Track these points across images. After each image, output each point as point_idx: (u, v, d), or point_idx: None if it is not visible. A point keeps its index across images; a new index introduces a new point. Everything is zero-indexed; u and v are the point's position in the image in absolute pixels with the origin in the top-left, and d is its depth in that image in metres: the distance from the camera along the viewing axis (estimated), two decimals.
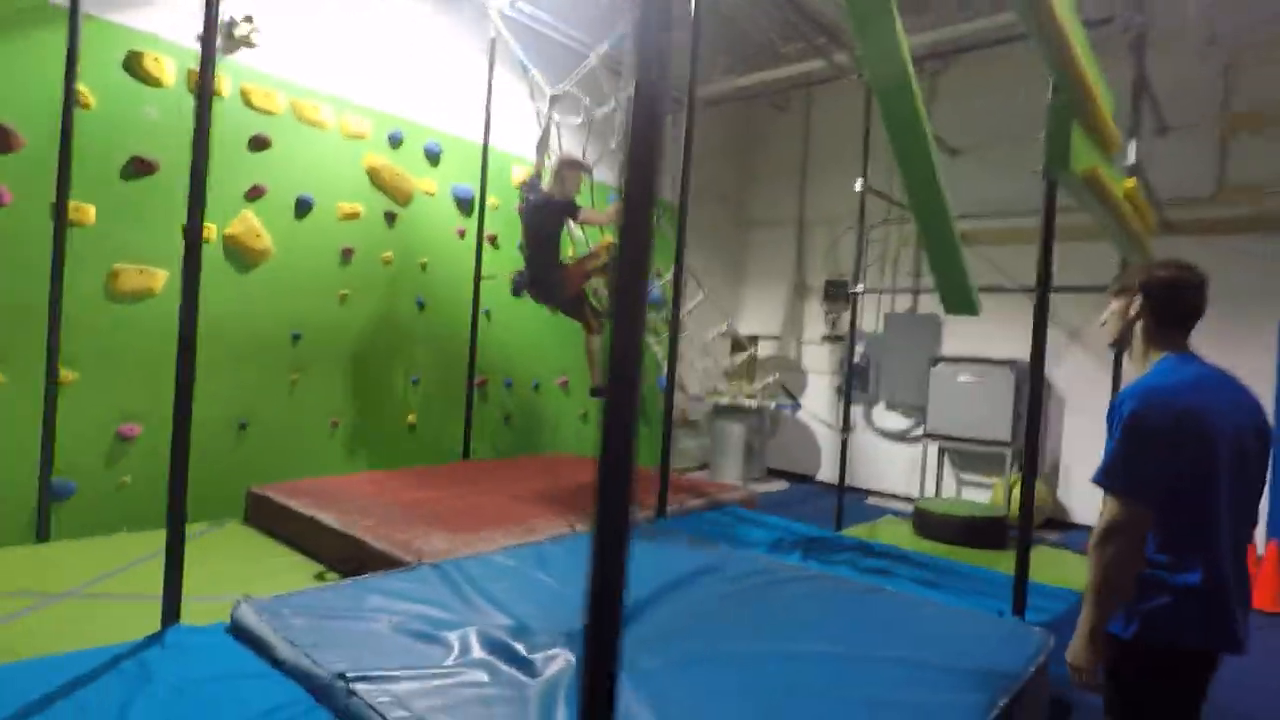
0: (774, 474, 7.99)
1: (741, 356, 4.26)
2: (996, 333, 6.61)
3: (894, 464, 7.23)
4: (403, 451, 5.22)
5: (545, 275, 4.38)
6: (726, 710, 1.65)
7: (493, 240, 5.72)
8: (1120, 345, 1.90)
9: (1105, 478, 1.68)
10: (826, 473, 7.73)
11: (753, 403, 4.42)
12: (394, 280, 5.12)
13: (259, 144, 4.35)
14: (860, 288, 5.16)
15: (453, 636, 1.92)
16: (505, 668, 1.78)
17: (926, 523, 4.86)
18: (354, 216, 4.86)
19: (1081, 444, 6.23)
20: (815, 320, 7.88)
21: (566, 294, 4.46)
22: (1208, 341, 1.97)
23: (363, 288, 4.94)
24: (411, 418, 5.27)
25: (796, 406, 4.44)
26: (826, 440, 7.74)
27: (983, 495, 6.64)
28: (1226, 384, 1.76)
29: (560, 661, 1.80)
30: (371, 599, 2.16)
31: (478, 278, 5.32)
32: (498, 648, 1.87)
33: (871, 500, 7.16)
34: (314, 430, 4.74)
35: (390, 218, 5.06)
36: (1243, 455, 1.71)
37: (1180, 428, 1.64)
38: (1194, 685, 1.70)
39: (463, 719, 1.54)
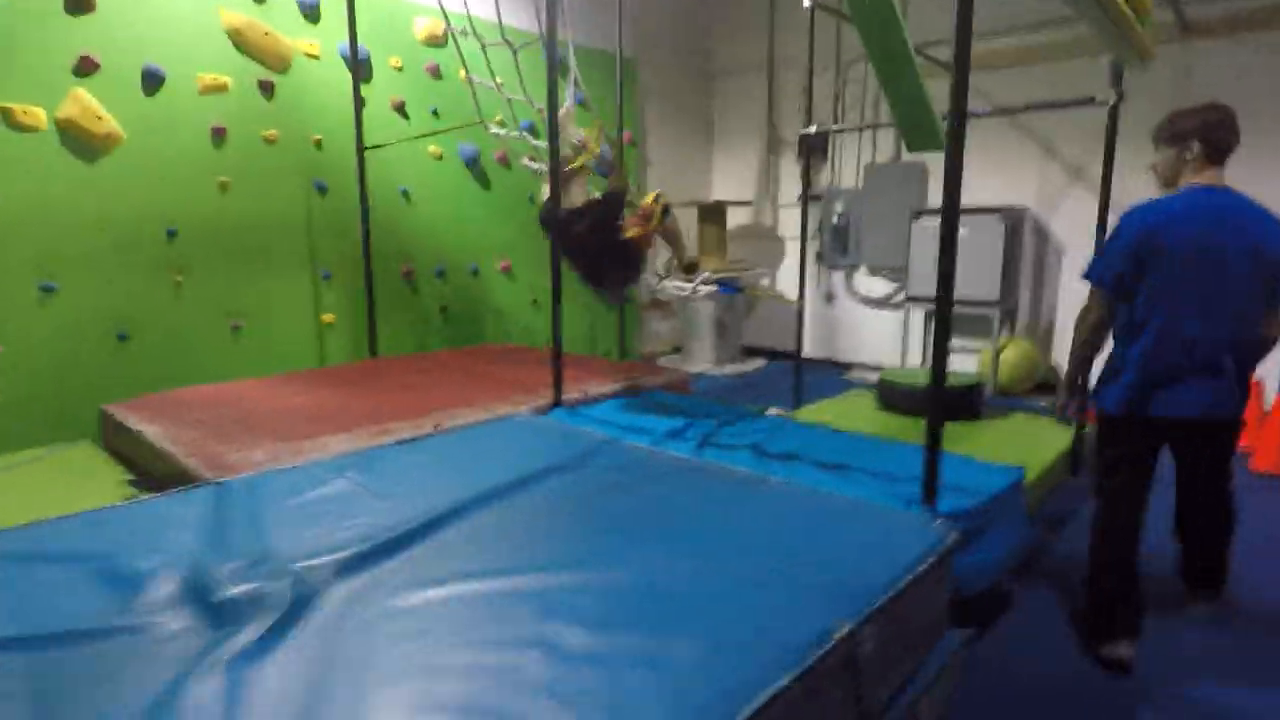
0: (752, 352, 7.52)
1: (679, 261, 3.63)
2: (988, 175, 5.85)
3: (877, 333, 6.69)
4: (320, 352, 4.82)
5: (623, 266, 3.42)
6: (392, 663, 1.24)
7: (400, 108, 5.05)
8: (1171, 185, 2.21)
9: (1086, 271, 2.28)
10: (807, 347, 7.21)
11: (686, 290, 3.84)
12: (283, 162, 4.53)
13: (79, 3, 3.68)
14: (813, 128, 4.45)
15: (157, 580, 1.52)
16: (185, 620, 1.38)
17: (891, 395, 4.39)
18: (220, 89, 4.22)
19: (1081, 300, 5.59)
20: (791, 180, 7.13)
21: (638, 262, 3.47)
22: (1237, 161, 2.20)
23: (245, 173, 4.37)
24: (327, 316, 4.83)
25: (730, 290, 3.85)
26: (809, 312, 7.18)
27: (971, 362, 6.11)
28: (1234, 211, 2.09)
29: (260, 611, 1.39)
30: (103, 534, 1.77)
31: (360, 148, 4.67)
32: (196, 592, 1.46)
33: (855, 373, 6.68)
34: (211, 336, 4.33)
35: (267, 88, 4.41)
36: (1223, 272, 2.06)
37: (1146, 240, 2.09)
38: (1137, 447, 2.24)
39: (70, 699, 1.14)
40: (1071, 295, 5.62)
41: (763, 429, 2.93)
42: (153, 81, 3.97)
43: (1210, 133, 2.11)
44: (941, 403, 2.05)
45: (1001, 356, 5.54)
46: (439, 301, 5.44)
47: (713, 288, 4.12)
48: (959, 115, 1.99)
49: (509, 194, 5.77)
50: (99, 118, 3.78)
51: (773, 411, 5.07)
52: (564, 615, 1.38)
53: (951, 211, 2.00)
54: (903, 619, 1.57)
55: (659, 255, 4.29)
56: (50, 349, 3.73)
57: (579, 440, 2.55)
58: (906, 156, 6.31)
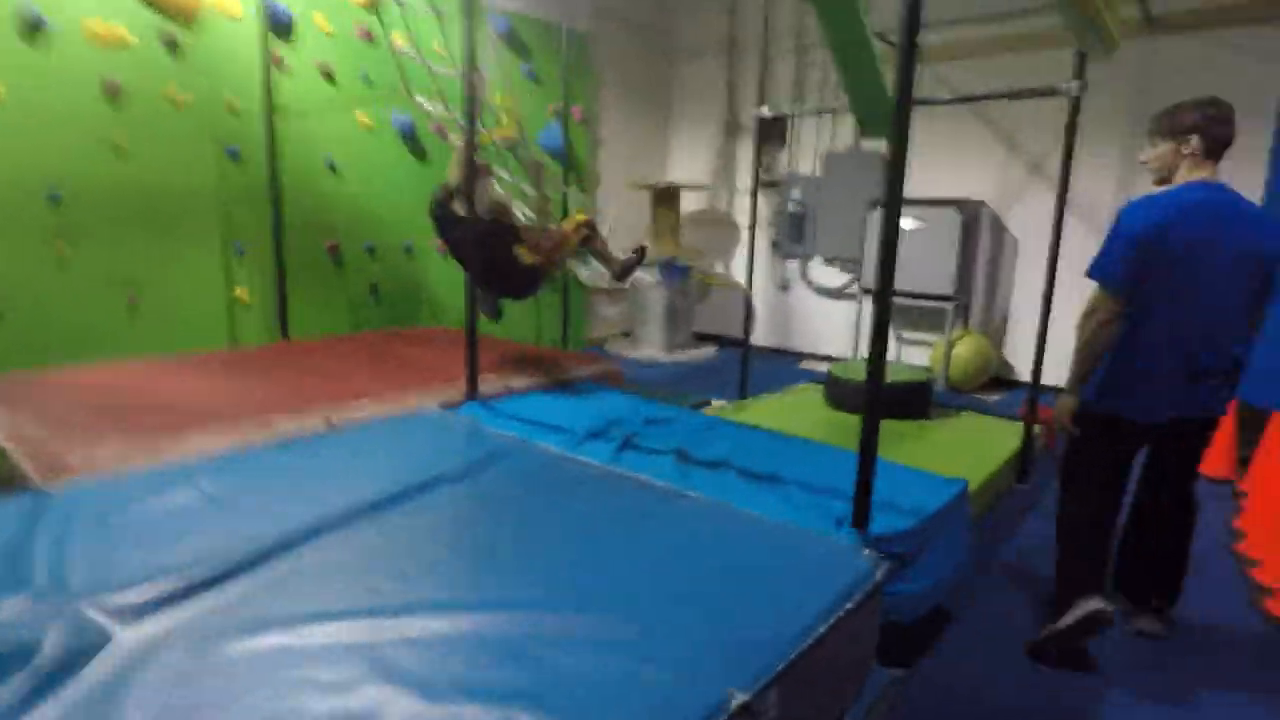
0: (705, 339, 7.31)
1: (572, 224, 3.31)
2: (946, 167, 5.69)
3: (832, 324, 6.52)
4: (232, 332, 4.45)
5: (516, 286, 3.21)
6: None
7: (327, 73, 4.67)
8: (1165, 181, 2.13)
9: (1091, 269, 2.09)
10: (760, 335, 7.04)
11: (624, 286, 3.60)
12: (191, 125, 4.13)
13: None
14: (764, 109, 4.20)
15: None
16: None
17: (839, 391, 4.21)
18: (115, 41, 3.80)
19: (1035, 295, 5.48)
20: (749, 165, 6.88)
21: (538, 282, 3.31)
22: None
23: (146, 135, 3.97)
24: (240, 292, 4.46)
25: (677, 271, 3.63)
26: (763, 301, 6.99)
27: (923, 356, 5.98)
28: (1232, 209, 2.03)
29: (27, 667, 1.10)
30: None
31: (268, 106, 4.28)
32: None
33: (806, 364, 6.51)
34: (103, 312, 3.94)
35: (171, 43, 4.00)
36: (1222, 271, 2.00)
37: (1152, 237, 1.99)
38: (1124, 447, 2.20)
39: None
40: (1027, 290, 5.51)
41: (692, 428, 2.69)
42: (33, 28, 3.55)
43: (1210, 128, 2.05)
44: (879, 411, 1.83)
45: (954, 351, 5.41)
46: (369, 280, 5.09)
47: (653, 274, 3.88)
48: (904, 100, 1.75)
49: (445, 169, 5.42)
50: None
51: (717, 404, 4.88)
52: (400, 676, 1.13)
53: (894, 200, 1.77)
54: (821, 668, 1.36)
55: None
56: None
57: (484, 442, 2.28)
58: (865, 145, 6.11)
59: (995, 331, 5.70)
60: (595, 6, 6.34)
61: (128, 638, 1.21)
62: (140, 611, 1.28)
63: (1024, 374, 5.56)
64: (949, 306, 5.41)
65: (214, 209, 4.28)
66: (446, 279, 5.52)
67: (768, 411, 4.08)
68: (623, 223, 6.96)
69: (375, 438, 2.32)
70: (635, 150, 7.10)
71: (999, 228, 5.62)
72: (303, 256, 4.68)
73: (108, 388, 2.88)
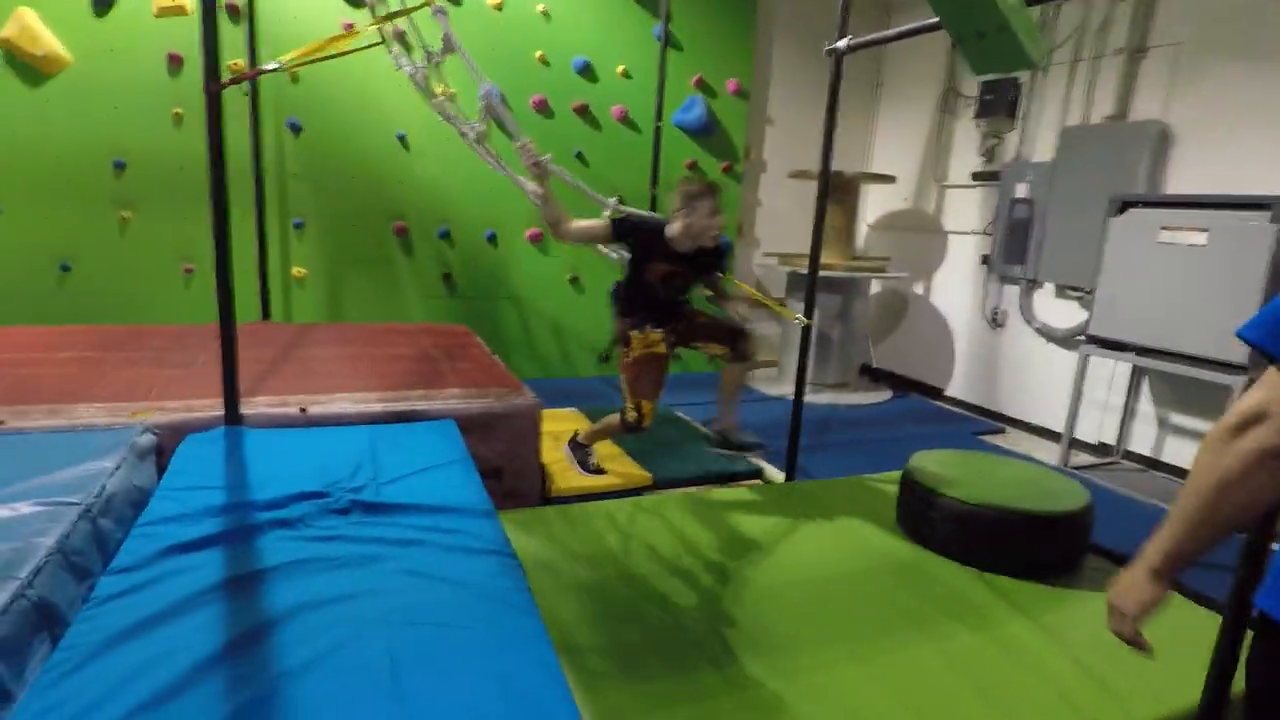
0: (881, 377, 5.60)
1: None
2: (1264, 146, 3.39)
3: (1057, 382, 4.41)
4: (287, 308, 4.37)
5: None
6: None
7: (400, 35, 4.31)
8: None
9: (1250, 329, 0.90)
10: (959, 388, 5.12)
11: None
12: (249, 95, 4.08)
13: None
14: (841, 44, 2.72)
15: None
16: None
17: (911, 505, 2.56)
18: (178, 11, 3.85)
19: None
20: (967, 150, 5.02)
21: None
22: None
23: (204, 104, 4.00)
24: (298, 270, 4.35)
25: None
26: (966, 338, 5.08)
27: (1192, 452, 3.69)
28: None
29: None
30: None
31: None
32: None
33: (1015, 435, 4.52)
34: (160, 277, 4.09)
35: (233, 11, 3.97)
36: None
37: None
38: None
39: None
40: None
41: (374, 537, 1.63)
42: (103, 2, 3.73)
43: None
44: None
45: None
46: (441, 268, 4.68)
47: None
48: None
49: (550, 149, 4.74)
50: (35, 39, 3.63)
51: (768, 478, 3.49)
52: None
53: None
54: None
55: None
56: None
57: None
58: (1137, 114, 3.95)
59: None
60: None
61: None
62: None
63: None
64: (1236, 383, 3.18)
65: (271, 182, 4.21)
66: (533, 274, 4.88)
67: (795, 511, 2.67)
68: (777, 219, 5.62)
69: None
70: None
71: None
72: (364, 236, 4.43)
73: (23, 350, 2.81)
